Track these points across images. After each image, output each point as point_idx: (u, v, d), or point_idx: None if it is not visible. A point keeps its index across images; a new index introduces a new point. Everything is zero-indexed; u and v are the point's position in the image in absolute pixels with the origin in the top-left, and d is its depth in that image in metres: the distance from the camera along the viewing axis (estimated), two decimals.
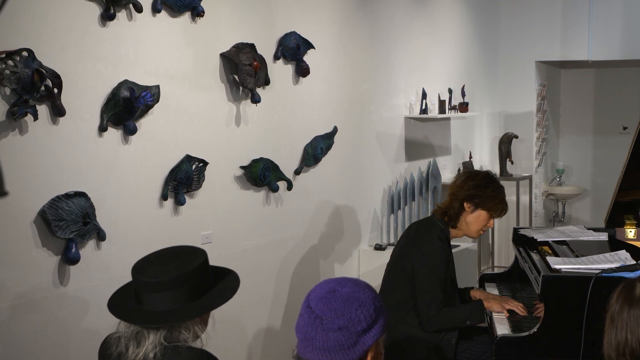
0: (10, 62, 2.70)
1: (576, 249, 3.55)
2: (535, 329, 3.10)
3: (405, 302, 3.46)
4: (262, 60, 3.91)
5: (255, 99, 3.87)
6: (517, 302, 3.50)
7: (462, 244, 5.32)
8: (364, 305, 1.83)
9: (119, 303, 2.23)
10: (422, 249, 3.46)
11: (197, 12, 3.51)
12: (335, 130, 4.58)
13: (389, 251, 4.77)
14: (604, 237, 3.89)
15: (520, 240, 3.89)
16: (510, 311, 3.45)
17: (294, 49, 4.16)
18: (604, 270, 3.04)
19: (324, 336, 1.80)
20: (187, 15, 3.51)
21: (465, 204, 3.53)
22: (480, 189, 3.52)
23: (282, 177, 4.12)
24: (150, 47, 3.33)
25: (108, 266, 3.16)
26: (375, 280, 4.06)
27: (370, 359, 1.85)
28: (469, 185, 3.54)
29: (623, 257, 3.28)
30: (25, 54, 2.74)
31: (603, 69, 7.80)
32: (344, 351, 1.80)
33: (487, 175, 3.61)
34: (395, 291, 3.49)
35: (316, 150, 4.40)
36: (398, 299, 3.46)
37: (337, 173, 4.69)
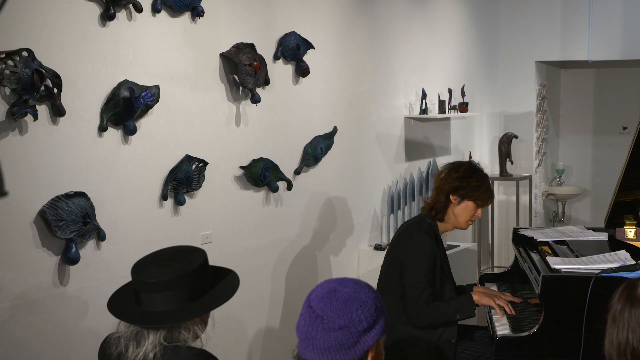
0: (10, 62, 2.70)
1: (576, 249, 3.55)
2: (535, 329, 3.10)
3: (398, 300, 3.45)
4: (262, 60, 3.91)
5: (255, 99, 3.87)
6: (507, 297, 3.47)
7: (462, 244, 5.32)
8: (365, 305, 1.83)
9: (119, 303, 2.23)
10: (408, 244, 3.46)
11: (197, 12, 3.51)
12: (335, 130, 4.58)
13: None
14: (603, 237, 3.89)
15: (520, 240, 3.89)
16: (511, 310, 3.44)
17: (293, 49, 4.15)
18: (603, 270, 3.03)
19: (324, 336, 1.80)
20: (187, 16, 3.51)
21: (451, 197, 3.52)
22: (465, 180, 3.51)
23: (282, 177, 4.12)
24: (150, 47, 3.33)
25: (108, 266, 3.16)
26: (375, 280, 4.06)
27: (370, 359, 1.85)
28: (453, 177, 3.53)
29: (623, 257, 3.28)
30: (25, 54, 2.74)
31: (603, 69, 7.79)
32: (345, 351, 1.80)
33: (470, 166, 3.59)
34: (388, 290, 3.49)
35: (316, 150, 4.40)
36: (392, 298, 3.45)
37: (337, 173, 4.69)
